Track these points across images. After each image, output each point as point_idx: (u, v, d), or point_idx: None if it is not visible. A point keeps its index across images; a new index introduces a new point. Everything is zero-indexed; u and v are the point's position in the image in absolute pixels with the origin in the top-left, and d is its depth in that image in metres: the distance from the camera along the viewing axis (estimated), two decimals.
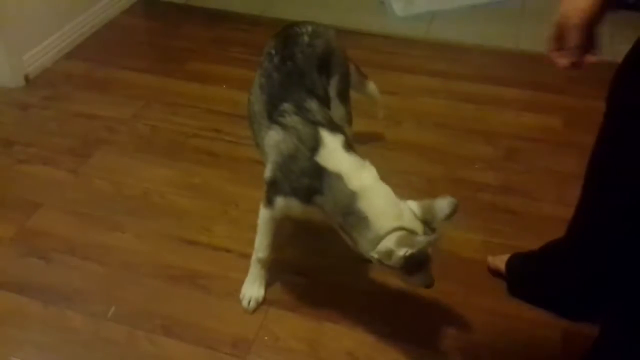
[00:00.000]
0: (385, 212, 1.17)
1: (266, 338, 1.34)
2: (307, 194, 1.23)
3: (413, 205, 1.20)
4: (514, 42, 2.42)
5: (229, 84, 2.20)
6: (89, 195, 1.73)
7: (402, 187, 1.72)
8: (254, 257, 1.41)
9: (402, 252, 1.12)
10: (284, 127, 1.26)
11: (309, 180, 1.22)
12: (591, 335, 1.33)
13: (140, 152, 1.90)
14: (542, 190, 1.73)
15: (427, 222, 1.18)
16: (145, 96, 2.15)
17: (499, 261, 1.45)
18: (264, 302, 1.41)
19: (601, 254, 1.20)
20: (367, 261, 1.22)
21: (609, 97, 1.11)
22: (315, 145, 1.22)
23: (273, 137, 1.28)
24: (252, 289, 1.41)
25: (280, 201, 1.27)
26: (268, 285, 1.46)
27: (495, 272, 1.46)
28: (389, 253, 1.13)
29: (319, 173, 1.21)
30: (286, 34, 1.46)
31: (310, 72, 1.37)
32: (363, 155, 1.84)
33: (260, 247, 1.38)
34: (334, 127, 1.27)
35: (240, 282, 1.46)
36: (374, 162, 1.78)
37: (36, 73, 2.26)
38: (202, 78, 2.24)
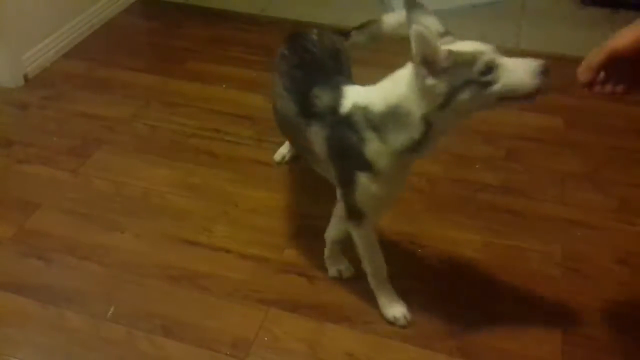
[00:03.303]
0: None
1: (266, 338, 1.34)
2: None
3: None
4: (514, 42, 2.42)
5: (229, 84, 2.19)
6: (88, 195, 1.73)
7: None
8: (376, 281, 1.35)
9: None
10: (321, 117, 1.21)
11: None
12: (591, 335, 1.33)
13: (139, 152, 1.89)
14: (543, 190, 1.72)
15: None
16: (144, 96, 2.15)
17: None
18: (264, 303, 1.41)
19: None
20: None
21: None
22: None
23: (319, 134, 1.22)
24: (397, 308, 1.36)
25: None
26: (268, 286, 1.45)
27: None
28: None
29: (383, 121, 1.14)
30: (295, 36, 1.46)
31: (329, 60, 1.36)
32: None
33: (379, 264, 1.33)
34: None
35: (240, 282, 1.46)
36: None
37: (35, 73, 2.25)
38: (202, 78, 2.24)
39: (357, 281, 1.47)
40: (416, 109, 1.10)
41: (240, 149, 1.89)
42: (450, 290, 1.44)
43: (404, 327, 1.35)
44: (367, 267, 1.36)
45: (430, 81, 1.05)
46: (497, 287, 1.45)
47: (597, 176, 1.77)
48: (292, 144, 1.40)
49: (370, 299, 1.42)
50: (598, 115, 2.03)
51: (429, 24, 1.11)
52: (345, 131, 1.18)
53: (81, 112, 2.07)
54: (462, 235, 1.57)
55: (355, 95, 1.20)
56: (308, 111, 1.24)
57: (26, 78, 2.22)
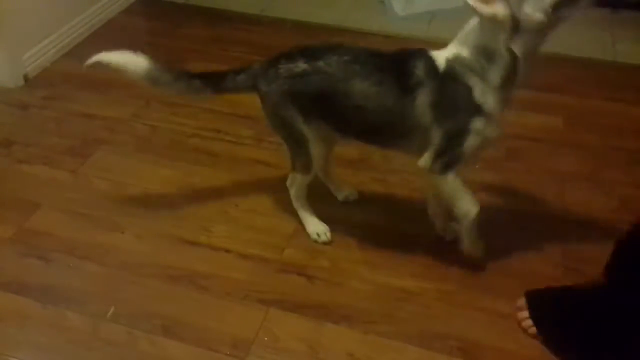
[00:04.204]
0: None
1: (266, 339, 1.34)
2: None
3: None
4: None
5: None
6: (88, 195, 1.73)
7: (402, 187, 1.73)
8: (468, 220, 1.39)
9: None
10: (424, 84, 1.30)
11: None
12: None
13: (139, 152, 1.89)
14: (543, 190, 1.72)
15: None
16: (144, 96, 2.14)
17: None
18: (263, 303, 1.41)
19: None
20: None
21: None
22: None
23: (425, 102, 1.30)
24: (481, 246, 1.46)
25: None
26: (268, 286, 1.45)
27: None
28: None
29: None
30: (305, 53, 1.41)
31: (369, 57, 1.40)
32: (363, 155, 1.85)
33: (470, 203, 1.38)
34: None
35: (240, 282, 1.46)
36: (374, 162, 1.80)
37: (35, 73, 2.25)
38: None
39: (357, 281, 1.47)
40: (496, 40, 1.21)
41: (240, 149, 1.89)
42: (451, 290, 1.44)
43: (483, 265, 1.46)
44: (458, 211, 1.40)
45: (488, 10, 1.15)
46: (497, 287, 1.44)
47: (597, 176, 1.76)
48: (369, 139, 1.44)
49: (370, 299, 1.42)
50: (598, 115, 2.03)
51: None
52: (452, 85, 1.28)
53: (81, 112, 2.07)
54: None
55: (442, 55, 1.30)
56: (410, 86, 1.30)
57: (26, 78, 2.22)
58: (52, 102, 2.12)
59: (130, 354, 1.32)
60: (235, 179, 1.78)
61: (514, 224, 1.62)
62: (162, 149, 1.91)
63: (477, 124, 1.28)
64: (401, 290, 1.44)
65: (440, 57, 1.30)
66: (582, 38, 2.37)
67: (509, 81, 1.25)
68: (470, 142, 1.30)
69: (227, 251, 1.55)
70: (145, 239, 1.59)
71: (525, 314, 1.34)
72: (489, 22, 1.18)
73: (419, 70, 1.30)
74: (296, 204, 1.58)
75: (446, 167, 1.34)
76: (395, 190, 1.71)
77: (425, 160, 1.35)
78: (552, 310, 1.33)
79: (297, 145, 1.45)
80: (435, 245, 1.55)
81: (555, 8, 1.15)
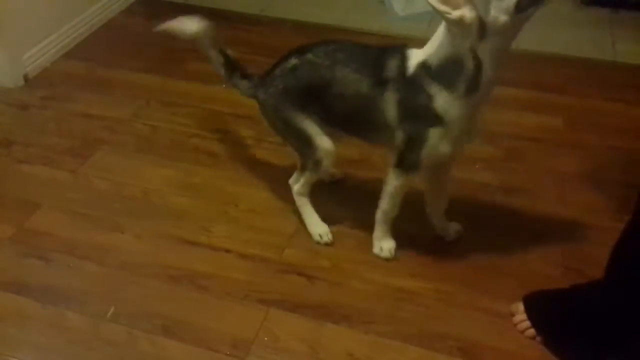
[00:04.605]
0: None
1: (266, 339, 1.34)
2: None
3: None
4: (514, 42, 2.41)
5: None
6: (88, 196, 1.73)
7: None
8: (384, 218, 1.47)
9: None
10: (393, 81, 1.30)
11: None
12: None
13: (139, 152, 1.89)
14: (543, 191, 1.72)
15: None
16: (144, 96, 2.14)
17: None
18: (263, 303, 1.41)
19: None
20: None
21: None
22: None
23: (392, 98, 1.30)
24: (387, 242, 1.51)
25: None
26: (268, 286, 1.46)
27: None
28: None
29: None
30: (299, 50, 1.44)
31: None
32: (363, 155, 1.85)
33: (396, 209, 1.45)
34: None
35: (240, 282, 1.46)
36: (374, 162, 1.80)
37: (35, 73, 2.25)
38: (202, 77, 2.23)
39: (357, 281, 1.47)
40: (462, 45, 1.18)
41: (241, 149, 1.89)
42: (451, 291, 1.44)
43: (387, 260, 1.50)
44: (384, 205, 1.46)
45: (455, 14, 1.12)
46: (497, 287, 1.44)
47: (597, 176, 1.76)
48: (349, 130, 1.45)
49: (370, 299, 1.42)
50: (598, 115, 2.03)
51: None
52: (414, 91, 1.27)
53: (81, 112, 2.07)
54: (464, 236, 1.57)
55: (416, 57, 1.28)
56: (382, 79, 1.31)
57: (26, 78, 2.22)
58: (52, 102, 2.12)
59: (130, 354, 1.32)
60: (235, 179, 1.78)
61: (513, 224, 1.62)
62: (162, 149, 1.90)
63: (436, 133, 1.28)
64: (401, 290, 1.44)
65: (414, 58, 1.28)
66: (582, 38, 2.37)
67: (474, 88, 1.22)
68: (428, 150, 1.30)
69: (227, 251, 1.55)
70: (145, 239, 1.59)
71: (519, 317, 1.35)
72: (456, 26, 1.16)
73: (392, 65, 1.30)
74: (299, 202, 1.57)
75: (405, 171, 1.37)
76: None
77: (393, 159, 1.38)
78: (550, 311, 1.33)
79: (304, 145, 1.45)
80: (435, 245, 1.55)
81: (518, 8, 1.12)
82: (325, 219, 1.58)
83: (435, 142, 1.29)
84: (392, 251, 1.51)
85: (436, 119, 1.26)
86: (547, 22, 2.58)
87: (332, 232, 1.57)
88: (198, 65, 2.33)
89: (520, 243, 1.55)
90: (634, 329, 1.17)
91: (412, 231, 1.59)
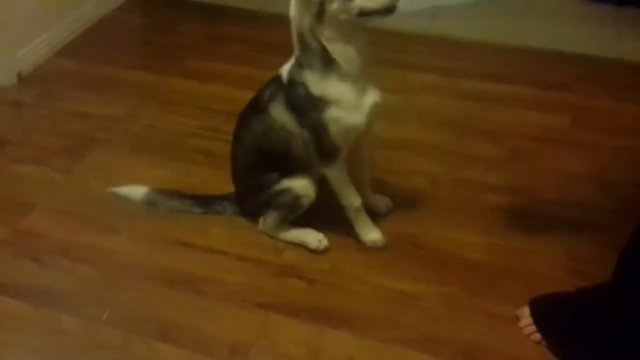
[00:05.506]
0: None
1: (265, 343, 1.31)
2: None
3: None
4: (519, 38, 2.38)
5: (227, 82, 2.16)
6: (82, 196, 1.70)
7: (405, 188, 1.71)
8: (352, 209, 1.49)
9: None
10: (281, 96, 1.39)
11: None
12: None
13: (135, 152, 1.86)
14: (548, 191, 1.70)
15: None
16: (140, 94, 2.12)
17: None
18: (262, 306, 1.38)
19: None
20: None
21: None
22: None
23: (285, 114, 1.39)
24: (371, 234, 1.52)
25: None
26: (266, 289, 1.43)
27: None
28: None
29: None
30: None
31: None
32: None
33: (352, 197, 1.48)
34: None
35: (238, 285, 1.44)
36: (374, 162, 1.77)
37: (29, 71, 2.23)
38: (199, 75, 2.21)
39: (357, 285, 1.44)
40: (303, 24, 1.27)
41: None
42: (453, 293, 1.41)
43: (380, 248, 1.51)
44: (343, 201, 1.49)
45: None
46: (501, 289, 1.42)
47: (603, 176, 1.74)
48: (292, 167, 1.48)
49: (370, 302, 1.40)
50: (603, 114, 2.00)
51: None
52: (292, 88, 1.35)
53: (76, 111, 2.04)
54: (465, 237, 1.55)
55: (289, 64, 1.37)
56: (261, 107, 1.43)
57: (20, 76, 2.19)
58: (46, 100, 2.10)
59: (125, 359, 1.29)
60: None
61: (517, 225, 1.59)
62: (159, 148, 1.88)
63: (328, 113, 1.33)
64: (402, 293, 1.41)
65: (285, 69, 1.37)
66: (587, 35, 2.34)
67: (330, 63, 1.29)
68: (334, 130, 1.35)
69: (225, 253, 1.52)
70: (140, 241, 1.56)
71: (525, 321, 1.33)
72: (302, 3, 1.25)
73: (267, 91, 1.42)
74: (280, 234, 1.55)
75: (329, 160, 1.41)
76: (395, 191, 1.68)
77: (314, 159, 1.42)
78: (557, 316, 1.31)
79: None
80: (437, 247, 1.53)
81: (362, 14, 1.25)
82: (325, 220, 1.55)
83: (334, 121, 1.34)
84: (381, 240, 1.52)
85: (321, 102, 1.33)
86: (552, 18, 2.56)
87: (331, 234, 1.54)
88: (195, 62, 2.31)
89: (524, 245, 1.53)
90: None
91: (413, 233, 1.56)
